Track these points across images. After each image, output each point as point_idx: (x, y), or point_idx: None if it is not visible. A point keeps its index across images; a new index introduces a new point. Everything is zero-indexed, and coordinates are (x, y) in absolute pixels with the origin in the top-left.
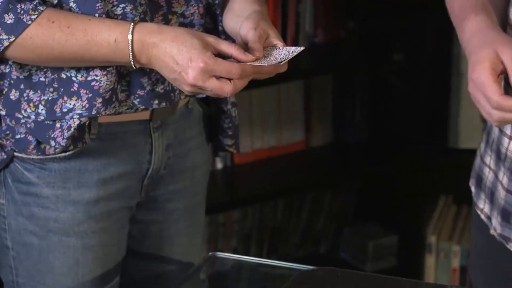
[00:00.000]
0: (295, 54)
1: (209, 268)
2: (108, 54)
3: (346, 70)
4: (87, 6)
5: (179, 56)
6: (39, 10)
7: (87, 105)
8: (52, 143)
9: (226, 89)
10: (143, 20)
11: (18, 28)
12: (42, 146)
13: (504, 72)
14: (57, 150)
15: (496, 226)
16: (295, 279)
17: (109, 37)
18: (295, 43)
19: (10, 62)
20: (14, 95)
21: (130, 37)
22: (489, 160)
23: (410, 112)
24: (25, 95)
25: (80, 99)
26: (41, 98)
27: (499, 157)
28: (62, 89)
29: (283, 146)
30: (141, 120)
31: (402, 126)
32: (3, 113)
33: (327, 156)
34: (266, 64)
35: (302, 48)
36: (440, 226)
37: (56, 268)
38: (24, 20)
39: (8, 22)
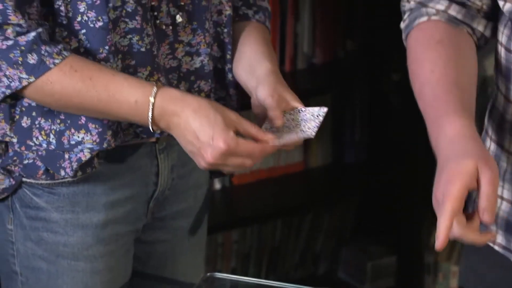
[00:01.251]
0: (322, 117)
1: None
2: (127, 113)
3: (345, 90)
4: (97, 39)
5: (201, 131)
6: (63, 55)
7: (97, 140)
8: (62, 172)
9: (247, 164)
10: (149, 51)
11: (39, 70)
12: (51, 171)
13: (474, 189)
14: (66, 177)
15: (499, 239)
16: None
17: (130, 97)
18: (294, 64)
19: None
20: (25, 122)
21: (152, 100)
22: (501, 190)
23: (411, 131)
24: (36, 122)
25: (89, 133)
26: (51, 127)
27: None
28: (69, 121)
29: (282, 167)
30: (147, 143)
31: (401, 145)
32: (15, 140)
33: (326, 177)
34: (289, 140)
35: (326, 109)
36: None
37: None
38: (47, 63)
39: (30, 62)
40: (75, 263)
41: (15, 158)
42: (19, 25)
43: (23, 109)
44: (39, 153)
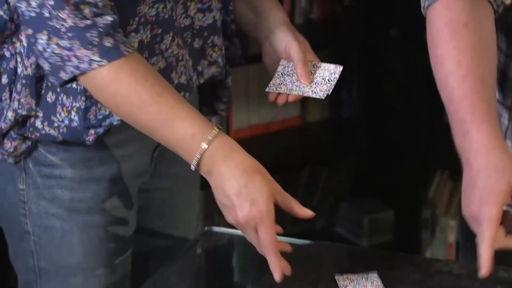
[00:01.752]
0: (338, 76)
1: (205, 242)
2: (178, 143)
3: (342, 45)
4: (128, 11)
5: (243, 191)
6: (133, 48)
7: None
8: (87, 142)
9: (271, 233)
10: (171, 17)
11: (113, 54)
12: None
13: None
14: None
15: None
16: (291, 253)
17: (189, 128)
18: (291, 19)
19: (46, 67)
20: (50, 97)
21: (207, 141)
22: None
23: (407, 89)
24: (59, 98)
25: None
26: (73, 105)
27: None
28: (94, 98)
29: (279, 122)
30: None
31: (398, 102)
32: (40, 115)
33: (323, 131)
34: (322, 95)
35: (341, 67)
36: (436, 201)
37: (79, 249)
38: (121, 49)
39: (106, 45)
40: (90, 218)
41: (31, 129)
42: (96, 5)
43: (49, 84)
44: (60, 130)
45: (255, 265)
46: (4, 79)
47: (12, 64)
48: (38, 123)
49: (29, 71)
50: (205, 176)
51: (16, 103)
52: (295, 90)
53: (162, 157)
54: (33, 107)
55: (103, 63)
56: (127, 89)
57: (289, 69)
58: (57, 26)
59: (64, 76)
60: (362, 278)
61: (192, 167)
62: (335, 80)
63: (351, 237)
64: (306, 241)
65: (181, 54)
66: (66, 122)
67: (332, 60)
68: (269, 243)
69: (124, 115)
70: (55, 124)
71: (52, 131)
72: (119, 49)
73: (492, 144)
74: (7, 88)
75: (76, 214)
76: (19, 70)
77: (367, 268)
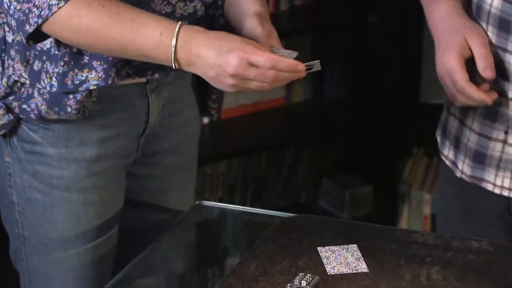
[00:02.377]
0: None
1: (196, 216)
2: (151, 47)
3: (326, 31)
4: None
5: (219, 49)
6: None
7: (103, 76)
8: (68, 109)
9: (268, 75)
10: None
11: None
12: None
13: (471, 58)
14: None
15: (464, 169)
16: (277, 225)
17: (155, 30)
18: (276, 5)
19: (13, 24)
20: (37, 65)
21: (175, 34)
22: (455, 109)
23: (385, 70)
24: (45, 66)
25: (94, 71)
26: (54, 70)
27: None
28: (72, 62)
29: (265, 102)
30: (139, 83)
31: (378, 82)
32: (28, 82)
33: (307, 111)
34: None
35: (296, 54)
36: (412, 176)
37: (59, 223)
38: None
39: None
40: (68, 195)
41: (22, 99)
42: None
43: (36, 53)
44: (44, 96)
45: (245, 237)
46: None
47: (0, 33)
48: (24, 92)
49: (20, 37)
50: (190, 70)
51: (10, 70)
52: None
53: (153, 144)
54: (23, 73)
55: (61, 4)
56: (88, 20)
57: None
58: None
59: (29, 28)
60: (343, 249)
61: (173, 66)
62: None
63: (333, 210)
64: (291, 214)
65: None
66: (48, 88)
67: (316, 44)
68: (271, 61)
69: (95, 44)
70: (41, 91)
71: (39, 98)
72: None
73: (449, 12)
74: (1, 55)
75: (56, 190)
76: (9, 38)
77: (347, 239)
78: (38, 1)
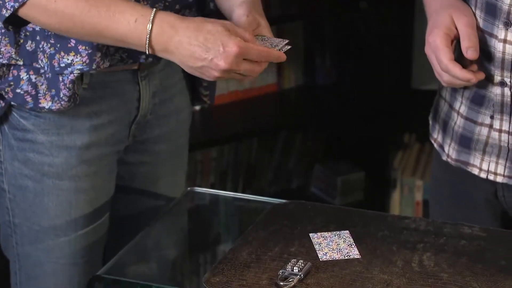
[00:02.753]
0: (280, 49)
1: (187, 203)
2: (126, 33)
3: (316, 17)
4: None
5: (208, 44)
6: None
7: (87, 61)
8: (61, 93)
9: (257, 69)
10: None
11: None
12: (38, 110)
13: (457, 38)
14: (56, 106)
15: (450, 152)
16: (268, 211)
17: (130, 17)
18: None
19: None
20: (30, 46)
21: (150, 21)
22: (445, 93)
23: (376, 56)
24: (40, 46)
25: (79, 55)
26: (47, 51)
27: (456, 89)
28: (58, 45)
29: (257, 88)
30: (130, 70)
31: (369, 69)
32: (20, 63)
33: (298, 98)
34: None
35: (286, 41)
36: (404, 162)
37: (50, 210)
38: None
39: None
40: (59, 182)
41: (12, 83)
42: None
43: (27, 33)
44: (46, 75)
45: (236, 223)
46: None
47: None
48: (22, 74)
49: None
50: (165, 56)
51: None
52: None
53: (144, 131)
54: (13, 55)
55: None
56: (63, 4)
57: None
58: None
59: (5, 12)
60: (335, 235)
61: (146, 51)
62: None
63: (325, 196)
64: (283, 200)
65: None
66: (46, 68)
67: (307, 30)
68: (265, 56)
69: (70, 28)
70: (41, 71)
71: (39, 78)
72: None
73: None
74: None
75: (47, 178)
76: None
77: (339, 225)
78: None
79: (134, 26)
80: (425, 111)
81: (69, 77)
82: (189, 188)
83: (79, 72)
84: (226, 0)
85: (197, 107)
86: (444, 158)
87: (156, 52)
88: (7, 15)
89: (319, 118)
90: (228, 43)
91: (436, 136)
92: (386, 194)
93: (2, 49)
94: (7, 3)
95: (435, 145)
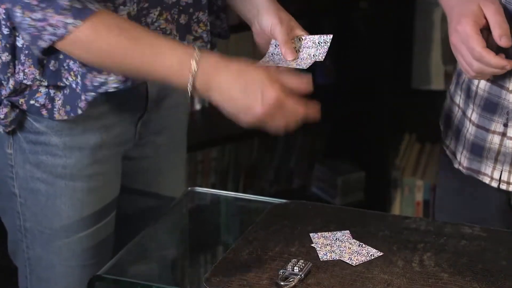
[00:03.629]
0: (328, 42)
1: (188, 202)
2: (168, 75)
3: (316, 17)
4: None
5: (248, 89)
6: (97, 8)
7: (122, 78)
8: (79, 111)
9: (291, 124)
10: None
11: (85, 13)
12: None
13: (486, 27)
14: (69, 118)
15: (462, 160)
16: (269, 211)
17: (174, 58)
18: None
19: (26, 37)
20: (54, 66)
21: (194, 62)
22: (459, 99)
23: (376, 56)
24: (64, 64)
25: (113, 74)
26: (79, 70)
27: (469, 95)
28: (89, 65)
29: None
30: None
31: (369, 69)
32: (45, 84)
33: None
34: (304, 66)
35: (330, 36)
36: (404, 162)
37: (62, 212)
38: (91, 7)
39: (77, 6)
40: (72, 183)
41: (27, 95)
42: None
43: (51, 54)
44: (65, 91)
45: (237, 223)
46: (6, 57)
47: (11, 40)
48: (42, 88)
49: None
50: (207, 97)
51: (21, 74)
52: (281, 65)
53: (147, 127)
54: (37, 76)
55: (78, 23)
56: (107, 43)
57: (278, 48)
58: (27, 1)
59: (43, 44)
60: (335, 235)
61: (189, 91)
62: (326, 47)
63: (326, 196)
64: (283, 200)
65: (169, 29)
66: (74, 85)
67: (307, 29)
68: (301, 111)
69: (112, 67)
70: (61, 89)
71: (58, 93)
72: (88, 7)
73: None
74: (11, 64)
75: (60, 179)
76: (19, 43)
77: (340, 225)
78: (53, 20)
79: (179, 66)
80: (425, 111)
81: (94, 94)
82: (189, 188)
83: (115, 90)
84: (245, 2)
85: (198, 107)
86: (456, 166)
87: (198, 93)
88: (44, 46)
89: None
90: (268, 90)
91: (449, 143)
92: (387, 194)
93: (26, 70)
94: (44, 36)
95: (448, 152)
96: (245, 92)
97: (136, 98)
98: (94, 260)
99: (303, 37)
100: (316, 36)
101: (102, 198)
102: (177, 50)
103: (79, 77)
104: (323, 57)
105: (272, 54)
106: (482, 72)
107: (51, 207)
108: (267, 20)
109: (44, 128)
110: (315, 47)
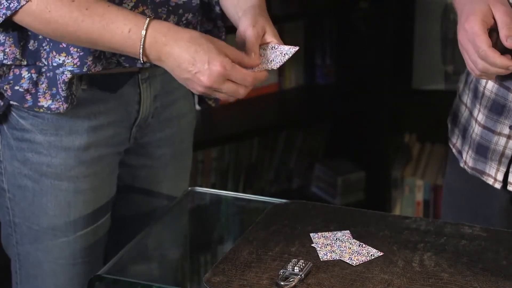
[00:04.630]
0: (289, 55)
1: (188, 202)
2: (120, 42)
3: (316, 17)
4: None
5: (196, 57)
6: None
7: (78, 63)
8: (63, 98)
9: (241, 92)
10: None
11: None
12: (36, 109)
13: (494, 28)
14: (55, 105)
15: (467, 160)
16: (269, 211)
17: (124, 26)
18: None
19: None
20: (32, 45)
21: (144, 30)
22: (466, 98)
23: (377, 56)
24: (44, 44)
25: (70, 56)
26: (47, 50)
27: (476, 96)
28: (51, 44)
29: (258, 88)
30: (130, 72)
31: (369, 69)
32: (24, 63)
33: (298, 97)
34: (269, 68)
35: (296, 48)
36: (404, 162)
37: (49, 210)
38: None
39: None
40: (58, 183)
41: (11, 81)
42: None
43: (29, 33)
44: (47, 74)
45: (237, 223)
46: None
47: None
48: (24, 73)
49: None
50: (159, 64)
51: (1, 55)
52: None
53: (145, 134)
54: (18, 56)
55: None
56: (58, 14)
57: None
58: None
59: None
60: (335, 235)
61: (141, 60)
62: (286, 57)
63: (326, 196)
64: (283, 200)
65: None
66: (50, 66)
67: (308, 29)
68: (250, 80)
69: (65, 37)
70: (43, 69)
71: (42, 78)
72: None
73: None
74: None
75: (45, 178)
76: None
77: (340, 225)
78: None
79: (128, 36)
80: (425, 111)
81: (63, 77)
82: (190, 188)
83: (70, 73)
84: (232, 5)
85: (198, 107)
86: (462, 164)
87: (150, 60)
88: (3, 17)
89: (319, 117)
90: (215, 62)
91: (455, 141)
92: (387, 194)
93: (6, 50)
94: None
95: (454, 150)
96: (193, 61)
97: (127, 100)
98: (84, 259)
99: (275, 46)
100: (286, 48)
101: (92, 200)
102: (128, 19)
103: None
104: (277, 66)
105: None
106: (487, 71)
107: (38, 205)
108: (244, 22)
109: (29, 126)
110: (281, 57)
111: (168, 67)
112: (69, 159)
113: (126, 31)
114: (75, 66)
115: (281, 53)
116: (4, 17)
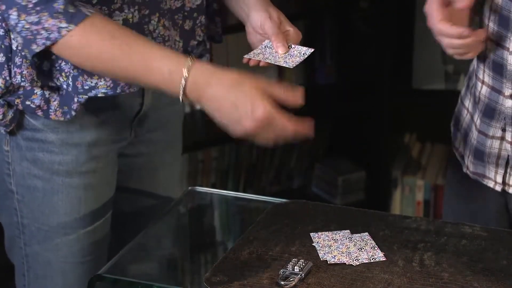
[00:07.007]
0: (306, 56)
1: (188, 202)
2: (160, 83)
3: (316, 17)
4: None
5: (239, 103)
6: (93, 11)
7: (111, 85)
8: (73, 113)
9: (280, 141)
10: None
11: (78, 17)
12: (51, 116)
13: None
14: (65, 119)
15: (469, 165)
16: (270, 211)
17: (164, 67)
18: None
19: (19, 40)
20: (46, 66)
21: (185, 71)
22: (468, 102)
23: (377, 56)
24: (57, 65)
25: (103, 79)
26: (69, 71)
27: (476, 100)
28: (79, 69)
29: None
30: None
31: (369, 69)
32: (39, 84)
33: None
34: (286, 66)
35: (312, 50)
36: (405, 162)
37: (59, 208)
38: (84, 11)
39: (70, 11)
40: (69, 180)
41: (21, 95)
42: None
43: (41, 53)
44: (61, 92)
45: (237, 222)
46: (1, 58)
47: (6, 41)
48: (37, 89)
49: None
50: (198, 105)
51: (18, 77)
52: (269, 59)
53: (143, 125)
54: (35, 77)
55: (71, 27)
56: (97, 49)
57: (271, 43)
58: (24, 4)
59: (36, 48)
60: (336, 235)
61: (180, 99)
62: (304, 57)
63: (326, 196)
64: (284, 200)
65: (167, 35)
66: (65, 86)
67: (308, 29)
68: (289, 132)
69: (102, 72)
70: (54, 89)
71: (52, 94)
72: (82, 11)
73: None
74: (5, 66)
75: (56, 176)
76: (14, 46)
77: (340, 225)
78: (48, 24)
79: (169, 78)
80: (425, 111)
81: (82, 100)
82: (190, 188)
83: (103, 94)
84: (239, 2)
85: (198, 107)
86: (464, 170)
87: (190, 101)
88: (37, 51)
89: (319, 117)
90: (257, 110)
91: (458, 145)
92: (387, 193)
93: (24, 72)
94: (38, 40)
95: (457, 154)
96: (235, 105)
97: (133, 95)
98: (91, 257)
99: (293, 46)
100: (304, 48)
101: (99, 195)
102: (168, 58)
103: (70, 78)
104: (294, 65)
105: (265, 47)
106: (452, 45)
107: (48, 204)
108: (256, 16)
109: (41, 126)
110: (298, 56)
111: (208, 110)
112: (81, 155)
113: (167, 72)
114: (109, 88)
115: (299, 52)
116: (43, 46)
